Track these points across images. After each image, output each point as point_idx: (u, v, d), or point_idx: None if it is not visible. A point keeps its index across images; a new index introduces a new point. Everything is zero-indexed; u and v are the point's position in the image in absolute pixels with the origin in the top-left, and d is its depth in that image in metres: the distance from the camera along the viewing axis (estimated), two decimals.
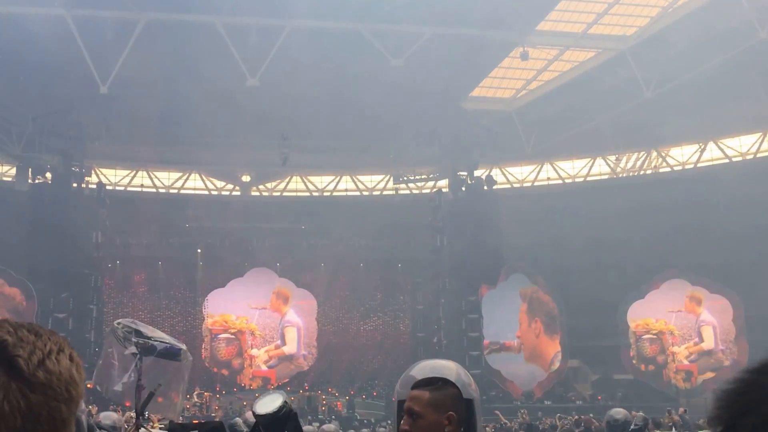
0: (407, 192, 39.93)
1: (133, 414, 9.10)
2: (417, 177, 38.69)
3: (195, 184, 40.04)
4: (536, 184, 39.93)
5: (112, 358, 8.54)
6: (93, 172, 35.53)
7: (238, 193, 40.50)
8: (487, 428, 21.76)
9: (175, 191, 39.50)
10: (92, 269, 32.73)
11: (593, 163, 39.35)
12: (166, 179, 39.57)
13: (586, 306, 33.91)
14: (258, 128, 33.47)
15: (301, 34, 27.13)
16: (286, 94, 29.27)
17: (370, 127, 32.56)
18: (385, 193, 40.28)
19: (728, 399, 1.04)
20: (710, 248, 32.42)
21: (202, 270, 36.85)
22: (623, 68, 30.80)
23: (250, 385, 35.06)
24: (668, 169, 38.19)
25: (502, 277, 34.86)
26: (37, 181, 32.16)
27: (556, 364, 35.19)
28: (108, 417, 7.07)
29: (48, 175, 32.00)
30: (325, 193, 40.69)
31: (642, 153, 38.72)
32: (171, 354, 8.08)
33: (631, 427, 7.85)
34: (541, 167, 39.71)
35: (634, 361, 36.27)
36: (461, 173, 35.30)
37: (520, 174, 40.22)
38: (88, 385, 12.47)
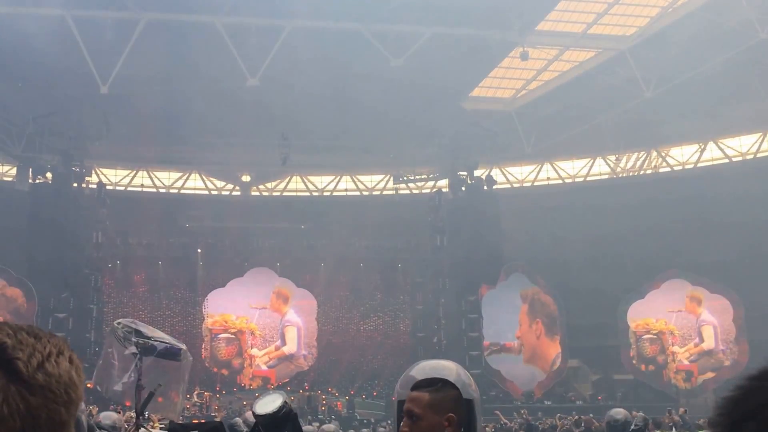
0: (407, 192, 39.95)
1: (133, 414, 9.11)
2: (417, 177, 38.71)
3: (195, 184, 40.06)
4: (536, 184, 39.94)
5: (112, 358, 8.54)
6: (93, 172, 35.55)
7: (238, 193, 40.51)
8: (487, 428, 21.75)
9: (175, 191, 39.54)
10: (92, 269, 32.74)
11: (593, 163, 39.35)
12: (167, 179, 39.60)
13: (586, 306, 33.92)
14: (258, 128, 33.48)
15: (301, 34, 27.11)
16: (286, 94, 29.26)
17: (370, 126, 32.57)
18: (385, 193, 40.30)
19: (729, 405, 1.04)
20: (710, 248, 32.43)
21: (202, 270, 36.85)
22: (623, 68, 30.79)
23: (250, 385, 35.07)
24: (668, 169, 38.19)
25: (502, 277, 34.88)
26: (37, 181, 32.17)
27: (557, 365, 35.21)
28: (108, 417, 7.06)
29: (48, 175, 32.00)
30: (325, 193, 40.70)
31: (642, 153, 38.72)
32: (171, 354, 8.09)
33: (632, 427, 7.85)
34: (541, 167, 39.72)
35: (634, 361, 36.26)
36: (461, 173, 35.30)
37: (520, 174, 40.23)
38: (89, 385, 12.47)
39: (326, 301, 37.66)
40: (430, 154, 36.41)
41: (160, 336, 8.20)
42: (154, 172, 39.19)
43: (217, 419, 19.73)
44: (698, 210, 32.59)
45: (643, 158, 38.92)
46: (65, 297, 30.96)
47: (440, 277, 35.11)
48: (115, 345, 8.35)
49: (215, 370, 36.02)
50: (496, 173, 38.00)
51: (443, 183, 36.98)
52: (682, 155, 37.99)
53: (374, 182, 40.80)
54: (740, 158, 36.35)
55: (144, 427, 7.91)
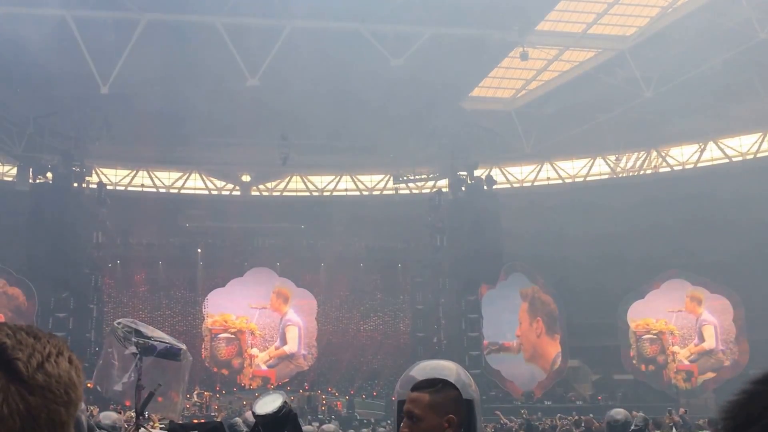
0: (407, 192, 39.96)
1: (133, 414, 9.10)
2: (417, 177, 38.73)
3: (195, 183, 40.08)
4: (536, 183, 39.94)
5: (112, 358, 8.53)
6: (93, 171, 35.57)
7: (238, 193, 40.52)
8: (487, 428, 21.74)
9: (175, 191, 39.55)
10: (92, 269, 32.74)
11: (593, 163, 39.35)
12: (167, 179, 39.61)
13: (586, 306, 33.93)
14: (258, 128, 33.49)
15: (301, 34, 27.11)
16: (286, 94, 29.24)
17: (370, 126, 32.56)
18: (385, 192, 40.31)
19: (734, 409, 1.04)
20: (710, 248, 32.41)
21: (202, 270, 36.86)
22: (623, 68, 30.79)
23: (250, 385, 35.07)
24: (668, 169, 38.20)
25: (501, 276, 34.89)
26: (37, 180, 32.17)
27: (557, 364, 35.22)
28: (108, 417, 7.06)
29: (49, 174, 32.00)
30: (325, 193, 40.71)
31: (642, 153, 38.72)
32: (171, 354, 8.08)
33: (632, 427, 7.85)
34: (541, 167, 39.72)
35: (634, 361, 36.27)
36: (461, 173, 35.29)
37: (520, 174, 40.23)
38: (89, 385, 12.48)
39: (326, 300, 37.67)
40: (430, 154, 36.42)
41: (160, 336, 8.19)
42: (154, 172, 39.20)
43: (217, 419, 19.71)
44: (698, 210, 32.59)
45: (643, 158, 38.92)
46: (65, 297, 30.99)
47: (440, 276, 35.12)
48: (115, 345, 8.35)
49: (215, 369, 36.03)
50: (496, 173, 38.00)
51: (443, 183, 36.99)
52: (682, 155, 37.99)
53: (374, 182, 40.81)
54: (740, 158, 36.35)
55: (144, 427, 7.90)
